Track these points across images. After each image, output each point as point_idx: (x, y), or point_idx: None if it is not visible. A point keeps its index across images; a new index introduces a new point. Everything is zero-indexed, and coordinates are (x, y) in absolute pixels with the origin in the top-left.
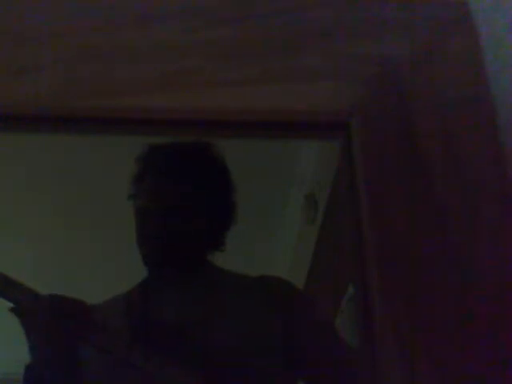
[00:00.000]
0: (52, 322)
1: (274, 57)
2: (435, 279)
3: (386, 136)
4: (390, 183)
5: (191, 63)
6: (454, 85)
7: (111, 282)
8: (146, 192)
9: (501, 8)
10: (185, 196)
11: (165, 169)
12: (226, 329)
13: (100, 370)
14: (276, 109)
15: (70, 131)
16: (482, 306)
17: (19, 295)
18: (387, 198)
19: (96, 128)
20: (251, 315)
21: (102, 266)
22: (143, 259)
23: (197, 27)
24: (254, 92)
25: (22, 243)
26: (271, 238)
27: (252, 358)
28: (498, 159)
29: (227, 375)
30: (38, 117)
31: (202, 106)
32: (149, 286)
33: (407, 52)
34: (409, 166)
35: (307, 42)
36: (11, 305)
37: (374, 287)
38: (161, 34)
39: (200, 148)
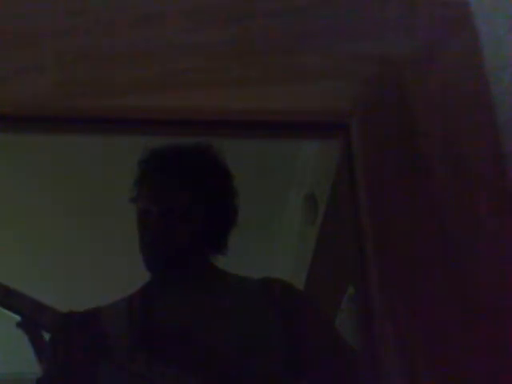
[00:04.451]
0: (73, 338)
1: (274, 57)
2: (435, 279)
3: (386, 136)
4: (389, 183)
5: (191, 63)
6: (454, 85)
7: (112, 284)
8: (146, 195)
9: (501, 8)
10: (185, 199)
11: (166, 172)
12: (228, 333)
13: (101, 378)
14: (276, 109)
15: (70, 131)
16: (482, 306)
17: (24, 307)
18: (387, 198)
19: (96, 128)
20: (254, 318)
21: (102, 267)
22: (145, 263)
23: (197, 27)
24: (255, 92)
25: (22, 243)
26: (271, 238)
27: (254, 361)
28: (497, 159)
29: (230, 379)
30: (38, 117)
31: (201, 106)
32: (151, 289)
33: (407, 52)
34: (409, 166)
35: (307, 42)
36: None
37: (374, 287)
38: (161, 33)
39: (201, 151)
